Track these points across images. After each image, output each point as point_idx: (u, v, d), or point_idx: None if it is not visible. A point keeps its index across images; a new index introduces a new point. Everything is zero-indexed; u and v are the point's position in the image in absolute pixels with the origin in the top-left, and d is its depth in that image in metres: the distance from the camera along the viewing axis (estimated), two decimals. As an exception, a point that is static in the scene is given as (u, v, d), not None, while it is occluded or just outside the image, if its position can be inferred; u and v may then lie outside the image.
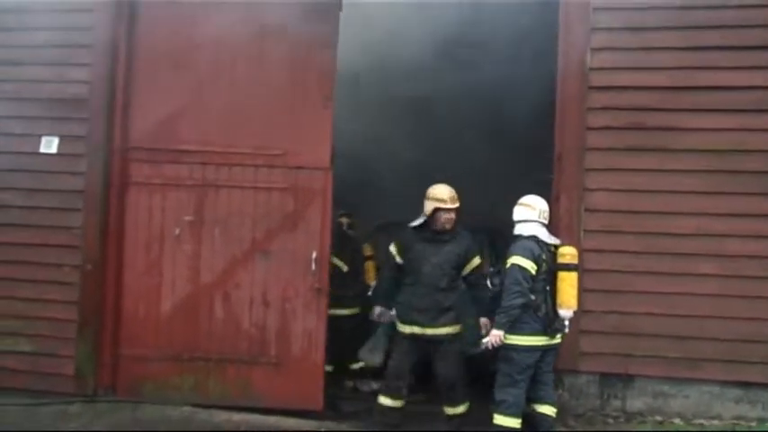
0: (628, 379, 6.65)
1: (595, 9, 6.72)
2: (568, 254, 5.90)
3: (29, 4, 7.30)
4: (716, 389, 6.56)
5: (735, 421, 6.49)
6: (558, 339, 6.00)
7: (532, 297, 5.82)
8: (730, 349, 6.50)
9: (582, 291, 6.58)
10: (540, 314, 5.85)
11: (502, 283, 5.87)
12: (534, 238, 5.92)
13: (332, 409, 7.84)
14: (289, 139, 7.38)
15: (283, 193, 7.43)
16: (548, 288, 5.90)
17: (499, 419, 5.90)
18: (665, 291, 6.60)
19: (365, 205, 9.42)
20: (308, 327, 7.44)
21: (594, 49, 6.73)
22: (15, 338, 7.35)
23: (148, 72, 7.49)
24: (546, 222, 6.07)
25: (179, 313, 7.50)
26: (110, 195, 7.45)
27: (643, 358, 6.61)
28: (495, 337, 5.77)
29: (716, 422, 6.49)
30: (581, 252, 6.58)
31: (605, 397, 6.69)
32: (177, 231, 7.49)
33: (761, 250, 6.47)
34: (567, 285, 5.85)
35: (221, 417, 7.06)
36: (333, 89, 7.33)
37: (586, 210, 6.72)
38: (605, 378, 6.69)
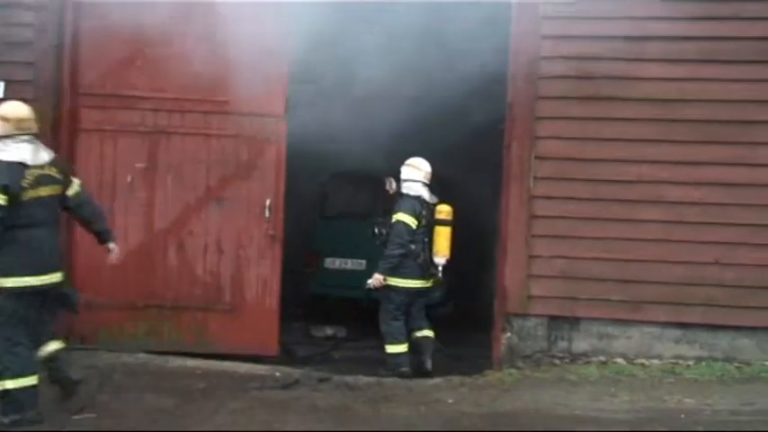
0: (574, 321, 6.89)
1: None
2: (444, 211, 7.00)
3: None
4: (657, 330, 6.83)
5: (674, 360, 6.77)
6: (430, 283, 7.05)
7: (412, 247, 6.86)
8: (671, 292, 6.76)
9: (531, 236, 6.82)
10: (418, 261, 6.90)
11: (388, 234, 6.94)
12: (418, 198, 6.92)
13: (287, 354, 8.01)
14: (241, 86, 7.31)
15: (236, 141, 7.45)
16: (426, 240, 6.93)
17: (389, 348, 6.95)
18: (611, 236, 6.81)
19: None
20: (263, 273, 7.53)
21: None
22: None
23: (99, 16, 7.32)
24: (428, 182, 7.00)
25: (133, 261, 7.45)
26: (59, 141, 7.31)
27: (589, 301, 6.84)
28: (376, 279, 6.92)
29: (656, 361, 6.78)
30: (531, 198, 6.77)
31: (552, 339, 6.92)
32: (130, 178, 7.45)
33: (701, 197, 6.70)
34: (442, 238, 6.95)
35: (176, 362, 7.12)
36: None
37: (537, 157, 6.85)
38: (553, 321, 6.92)
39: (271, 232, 7.45)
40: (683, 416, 5.49)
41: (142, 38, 7.19)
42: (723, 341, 6.77)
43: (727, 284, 6.69)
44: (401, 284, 6.99)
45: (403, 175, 7.07)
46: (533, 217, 6.85)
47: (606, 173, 6.80)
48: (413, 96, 8.47)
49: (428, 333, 7.23)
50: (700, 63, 6.66)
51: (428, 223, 6.98)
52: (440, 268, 7.03)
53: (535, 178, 6.86)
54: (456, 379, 6.74)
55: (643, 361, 6.80)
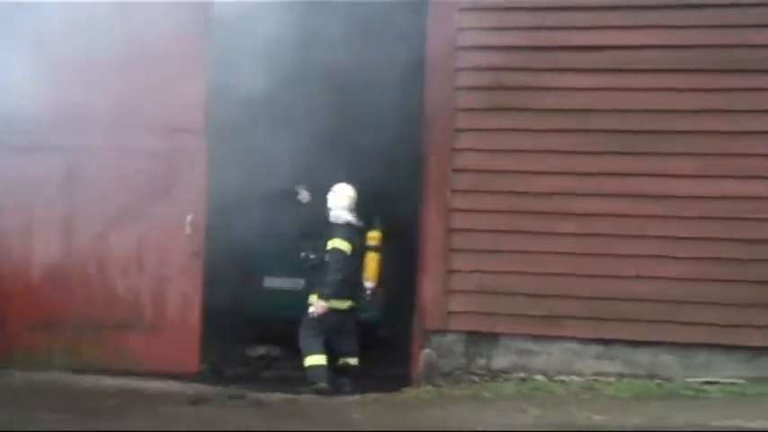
0: (493, 337, 6.75)
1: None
2: (374, 237, 7.15)
3: None
4: (577, 346, 6.69)
5: (595, 377, 6.62)
6: (354, 305, 7.17)
7: (349, 272, 6.96)
8: (590, 307, 6.62)
9: (449, 251, 6.70)
10: (349, 284, 6.99)
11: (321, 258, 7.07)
12: (348, 224, 7.01)
13: (216, 373, 7.85)
14: (160, 102, 7.24)
15: (155, 157, 7.32)
16: (357, 264, 7.07)
17: (307, 361, 6.99)
18: (528, 249, 6.69)
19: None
20: (184, 290, 7.40)
21: (463, 10, 6.73)
22: None
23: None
24: (354, 207, 7.12)
25: (51, 280, 7.39)
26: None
27: (508, 317, 6.70)
28: (320, 307, 6.92)
29: (576, 378, 6.63)
30: (450, 212, 6.66)
31: (471, 355, 6.77)
32: (49, 195, 7.33)
33: (614, 209, 6.59)
34: (372, 263, 7.11)
35: (90, 381, 6.98)
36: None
37: (454, 170, 6.74)
38: (472, 337, 6.78)
39: (193, 249, 7.30)
40: (586, 432, 5.33)
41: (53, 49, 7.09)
42: (644, 357, 6.62)
43: (648, 299, 6.56)
44: (335, 305, 7.05)
45: (329, 203, 7.17)
46: (451, 230, 6.72)
47: (522, 185, 6.70)
48: (329, 107, 8.38)
49: (353, 362, 7.22)
50: (610, 72, 6.55)
51: (360, 248, 7.09)
52: (368, 292, 7.17)
53: (453, 191, 6.74)
54: (372, 396, 6.62)
55: (563, 378, 6.65)
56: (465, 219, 6.75)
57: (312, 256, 7.17)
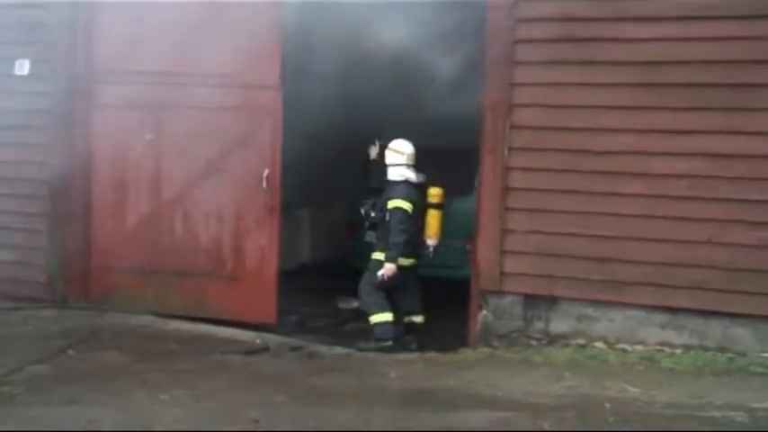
0: (551, 301, 6.48)
1: None
2: (435, 194, 6.98)
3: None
4: (641, 313, 6.28)
5: (659, 347, 6.21)
6: (417, 261, 7.05)
7: (413, 230, 6.87)
8: (656, 273, 6.17)
9: (505, 210, 6.48)
10: (412, 242, 6.89)
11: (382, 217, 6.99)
12: (407, 182, 6.90)
13: (299, 324, 8.11)
14: (239, 60, 7.45)
15: (234, 113, 7.59)
16: (418, 222, 6.95)
17: (375, 318, 6.96)
18: (590, 211, 6.33)
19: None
20: (261, 243, 7.66)
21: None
22: (1, 249, 7.92)
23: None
24: (413, 164, 6.98)
25: (142, 228, 7.92)
26: (74, 114, 7.79)
27: (567, 280, 6.40)
28: (388, 269, 6.83)
29: (639, 347, 6.24)
30: (506, 170, 6.44)
31: (529, 318, 6.55)
32: (138, 150, 7.80)
33: (688, 169, 6.05)
34: (434, 220, 6.97)
35: (171, 326, 7.45)
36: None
37: (512, 127, 6.47)
38: (529, 299, 6.54)
39: (269, 203, 7.53)
40: (607, 405, 5.04)
41: (149, 17, 7.48)
42: (715, 329, 6.11)
43: (720, 266, 6.02)
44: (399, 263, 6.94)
45: (387, 161, 7.05)
46: (507, 189, 6.49)
47: (585, 143, 6.31)
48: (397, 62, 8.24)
49: (419, 319, 7.21)
50: (685, 20, 5.99)
51: (420, 205, 6.97)
52: (431, 249, 7.03)
53: (510, 149, 6.48)
54: (428, 355, 6.62)
55: (625, 346, 6.28)
56: (522, 177, 6.48)
57: (373, 214, 7.13)
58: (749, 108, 5.92)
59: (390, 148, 7.07)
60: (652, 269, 6.20)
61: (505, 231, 6.53)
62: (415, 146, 7.14)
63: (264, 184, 7.53)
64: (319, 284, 9.57)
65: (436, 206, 7.02)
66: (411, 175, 7.00)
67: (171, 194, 7.81)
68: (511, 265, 6.55)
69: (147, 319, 7.58)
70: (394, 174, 7.02)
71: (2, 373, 5.69)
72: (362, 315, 8.71)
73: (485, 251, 6.61)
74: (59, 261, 7.88)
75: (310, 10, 7.29)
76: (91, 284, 8.04)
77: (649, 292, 6.21)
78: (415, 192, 6.98)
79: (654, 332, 6.26)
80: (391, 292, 7.08)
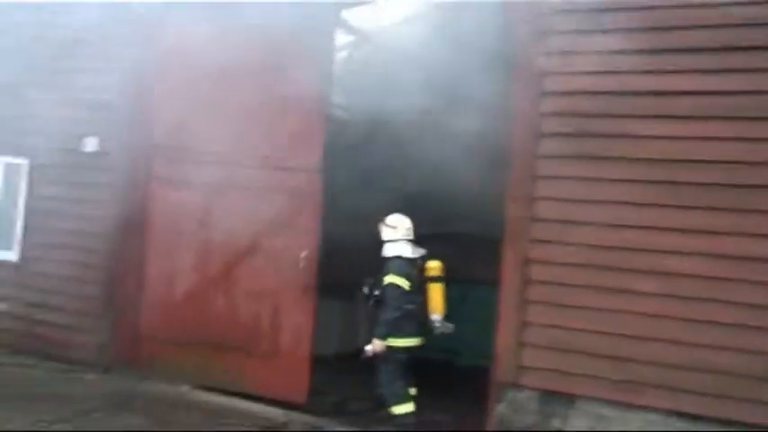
0: (568, 398, 6.33)
1: (549, 13, 6.49)
2: (434, 267, 6.82)
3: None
4: (657, 417, 6.05)
5: (677, 454, 5.95)
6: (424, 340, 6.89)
7: (409, 307, 6.71)
8: (674, 376, 5.97)
9: (525, 302, 6.45)
10: (416, 320, 6.75)
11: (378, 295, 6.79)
12: (400, 258, 6.78)
13: (337, 406, 8.13)
14: (284, 144, 7.82)
15: (278, 194, 7.90)
16: (420, 298, 6.78)
17: (397, 409, 6.76)
18: (607, 307, 6.21)
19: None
20: (297, 322, 7.86)
21: (547, 53, 6.49)
22: (57, 313, 8.45)
23: (169, 81, 8.30)
24: (411, 238, 6.90)
25: (188, 301, 8.29)
26: (134, 189, 8.32)
27: (584, 378, 6.26)
28: (376, 345, 6.71)
29: (656, 452, 5.99)
30: (527, 262, 6.44)
31: (546, 414, 6.41)
32: (189, 225, 8.21)
33: (705, 269, 5.89)
34: (436, 294, 6.78)
35: (205, 397, 7.74)
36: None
37: (533, 219, 6.49)
38: (546, 395, 6.42)
39: (305, 283, 7.75)
40: None
41: (206, 101, 8.00)
42: (733, 439, 5.82)
43: (735, 372, 5.78)
44: (402, 344, 6.80)
45: (383, 237, 6.96)
46: (528, 281, 6.47)
47: (603, 238, 6.24)
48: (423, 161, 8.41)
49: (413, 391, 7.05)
50: (704, 120, 5.93)
51: (419, 281, 6.80)
52: (437, 324, 6.80)
53: (530, 240, 6.49)
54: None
55: (642, 450, 6.05)
56: (541, 270, 6.44)
57: (376, 293, 6.83)
58: (760, 210, 5.74)
59: (385, 224, 6.97)
60: (668, 371, 5.99)
61: (524, 324, 6.48)
62: (446, 232, 7.20)
63: (302, 265, 7.73)
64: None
65: (436, 279, 6.81)
66: (406, 250, 6.85)
67: (215, 270, 8.14)
68: (529, 358, 6.47)
69: (183, 390, 7.86)
70: (388, 250, 6.88)
71: (24, 426, 6.01)
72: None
73: (503, 343, 6.57)
74: (110, 328, 8.28)
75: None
76: (138, 352, 8.40)
77: (664, 396, 6.00)
78: (412, 267, 6.82)
79: (671, 438, 5.99)
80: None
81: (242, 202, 8.02)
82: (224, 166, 8.09)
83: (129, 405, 7.17)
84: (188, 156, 8.24)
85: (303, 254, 7.74)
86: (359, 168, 9.08)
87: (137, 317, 8.43)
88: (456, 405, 7.18)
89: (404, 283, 6.70)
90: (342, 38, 8.98)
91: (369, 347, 6.75)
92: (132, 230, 8.39)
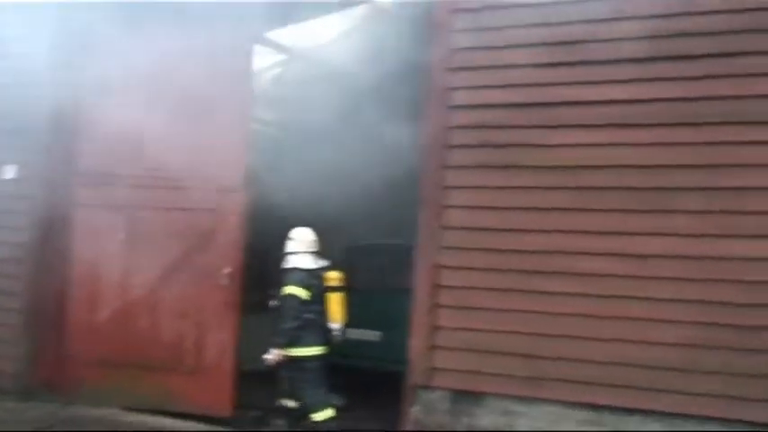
0: (477, 396, 6.62)
1: (455, 30, 6.90)
2: (332, 278, 7.19)
3: None
4: (561, 410, 6.37)
5: (580, 443, 6.26)
6: (327, 349, 7.17)
7: (309, 316, 7.03)
8: (577, 370, 6.31)
9: (436, 306, 6.74)
10: (317, 329, 7.06)
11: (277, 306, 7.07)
12: (299, 269, 7.07)
13: (258, 420, 8.24)
14: (206, 163, 8.02)
15: (199, 214, 8.08)
16: (321, 308, 7.10)
17: (317, 416, 7.04)
18: (514, 308, 6.54)
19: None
20: (221, 338, 7.99)
21: (454, 69, 6.89)
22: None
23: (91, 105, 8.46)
24: (314, 250, 7.24)
25: (112, 323, 8.33)
26: (54, 215, 8.40)
27: (491, 376, 6.55)
28: (274, 354, 7.04)
29: (560, 442, 6.30)
30: (437, 268, 6.74)
31: (456, 413, 6.68)
32: (111, 248, 8.32)
33: (605, 268, 6.28)
34: (334, 304, 7.15)
35: (133, 418, 7.79)
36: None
37: (443, 227, 6.82)
38: (457, 394, 6.69)
39: (228, 299, 7.91)
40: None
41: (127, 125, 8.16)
42: (631, 425, 6.17)
43: (640, 364, 6.15)
44: (305, 354, 7.13)
45: (286, 249, 7.27)
46: (439, 287, 6.77)
47: (511, 242, 6.60)
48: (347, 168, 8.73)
49: (291, 404, 7.41)
50: (603, 128, 6.38)
51: (319, 291, 7.12)
52: (337, 333, 7.20)
53: (441, 247, 6.81)
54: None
55: (547, 442, 6.35)
56: (452, 275, 6.75)
57: (275, 303, 7.16)
58: (666, 210, 6.17)
59: (289, 237, 7.29)
60: (572, 366, 6.33)
61: (436, 327, 6.76)
62: (372, 243, 7.45)
63: (224, 282, 7.91)
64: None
65: (335, 289, 7.16)
66: (305, 261, 7.15)
67: (139, 290, 8.24)
68: (440, 360, 6.74)
69: (110, 412, 7.88)
70: (288, 261, 7.18)
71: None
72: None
73: (416, 346, 6.83)
74: (31, 354, 8.28)
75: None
76: (62, 377, 8.41)
77: (569, 389, 6.33)
78: (313, 278, 7.12)
79: (574, 428, 6.31)
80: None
81: (164, 223, 8.16)
82: (145, 189, 8.23)
83: (50, 430, 7.15)
84: (109, 180, 8.35)
85: (226, 270, 7.92)
86: (288, 184, 9.30)
87: (60, 342, 8.44)
88: (380, 409, 7.39)
89: (302, 293, 7.00)
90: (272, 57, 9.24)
91: (267, 356, 7.03)
92: (53, 256, 8.43)
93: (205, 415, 7.78)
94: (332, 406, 7.20)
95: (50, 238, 8.43)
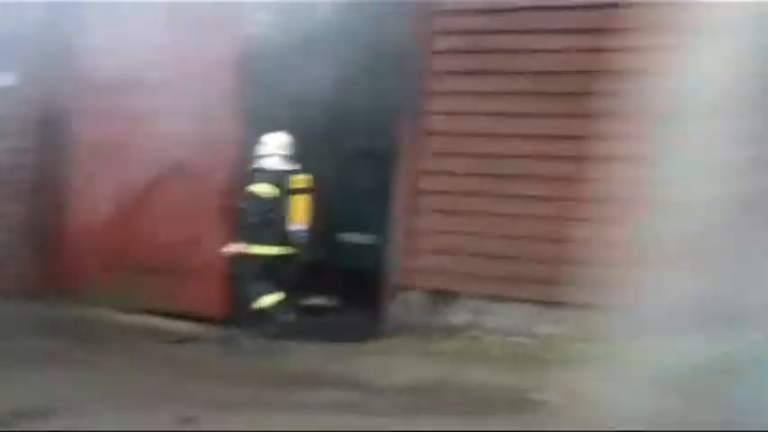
0: (452, 296, 6.88)
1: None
2: (297, 180, 7.09)
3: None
4: (532, 308, 6.62)
5: (547, 338, 6.52)
6: (289, 250, 7.09)
7: (271, 216, 7.04)
8: (545, 270, 6.51)
9: (418, 211, 6.91)
10: (275, 229, 7.03)
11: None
12: (265, 170, 7.12)
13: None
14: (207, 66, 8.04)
15: (196, 119, 8.12)
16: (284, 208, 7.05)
17: (261, 302, 7.10)
18: (490, 211, 6.73)
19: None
20: (216, 240, 8.22)
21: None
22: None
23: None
24: (284, 153, 7.17)
25: (111, 226, 8.60)
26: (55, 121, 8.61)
27: (466, 276, 6.80)
28: (232, 247, 7.22)
29: (527, 340, 6.57)
30: (421, 173, 6.89)
31: (433, 312, 6.96)
32: (114, 154, 8.52)
33: (573, 172, 6.38)
34: (297, 205, 7.06)
35: (127, 318, 8.09)
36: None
37: (426, 133, 6.93)
38: (434, 294, 6.96)
39: (222, 203, 8.13)
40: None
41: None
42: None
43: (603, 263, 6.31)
44: (261, 251, 7.13)
45: (257, 153, 7.32)
46: (420, 192, 6.96)
47: (487, 147, 6.72)
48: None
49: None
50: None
51: (285, 192, 7.11)
52: (302, 234, 7.12)
53: (423, 154, 6.95)
54: (336, 345, 7.08)
55: (516, 338, 6.63)
56: (432, 180, 6.92)
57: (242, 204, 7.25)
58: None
59: (262, 141, 7.30)
60: (540, 266, 6.53)
61: (416, 231, 6.96)
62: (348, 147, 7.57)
63: (220, 186, 8.12)
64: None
65: (299, 191, 7.11)
66: (271, 163, 7.16)
67: (137, 195, 8.49)
68: (420, 262, 6.98)
69: (106, 312, 8.21)
70: (257, 164, 7.26)
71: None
72: (322, 311, 9.24)
73: (397, 248, 7.06)
74: (34, 258, 8.64)
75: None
76: (64, 281, 8.74)
77: (536, 288, 6.54)
78: (279, 178, 7.11)
79: (542, 325, 6.57)
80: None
81: (163, 128, 8.26)
82: (143, 96, 8.27)
83: (48, 328, 7.52)
84: (111, 86, 8.43)
85: (220, 174, 8.11)
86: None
87: (62, 245, 8.78)
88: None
89: (263, 191, 7.06)
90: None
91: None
92: (54, 161, 8.67)
93: (198, 315, 8.06)
94: (271, 293, 7.16)
95: (51, 144, 8.61)
